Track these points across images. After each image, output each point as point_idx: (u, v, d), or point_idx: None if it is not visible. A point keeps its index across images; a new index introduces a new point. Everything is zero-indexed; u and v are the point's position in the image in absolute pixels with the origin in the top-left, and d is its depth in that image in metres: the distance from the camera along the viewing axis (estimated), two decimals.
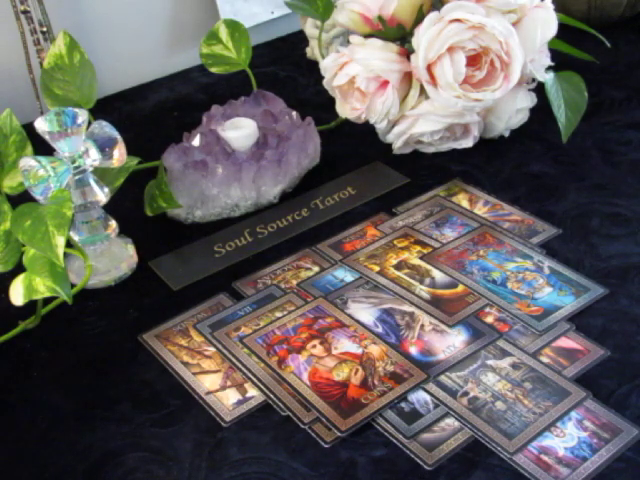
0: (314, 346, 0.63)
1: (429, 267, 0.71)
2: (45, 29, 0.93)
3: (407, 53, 0.82)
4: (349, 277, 0.70)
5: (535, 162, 0.84)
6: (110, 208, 0.72)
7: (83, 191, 0.69)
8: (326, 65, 0.83)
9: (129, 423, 0.59)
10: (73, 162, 0.66)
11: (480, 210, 0.77)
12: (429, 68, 0.79)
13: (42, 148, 0.70)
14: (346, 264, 0.72)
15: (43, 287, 0.60)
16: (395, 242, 0.74)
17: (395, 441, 0.56)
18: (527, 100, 0.85)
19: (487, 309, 0.66)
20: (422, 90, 0.82)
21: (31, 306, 0.65)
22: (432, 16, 0.78)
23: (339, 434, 0.56)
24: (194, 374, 0.62)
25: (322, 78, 0.85)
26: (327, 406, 0.58)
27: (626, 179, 0.80)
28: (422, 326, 0.65)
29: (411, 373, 0.60)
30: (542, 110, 0.86)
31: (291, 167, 0.80)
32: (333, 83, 0.84)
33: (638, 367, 0.60)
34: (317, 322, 0.66)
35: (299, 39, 1.10)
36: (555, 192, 0.79)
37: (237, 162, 0.77)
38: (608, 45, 0.93)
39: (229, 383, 0.61)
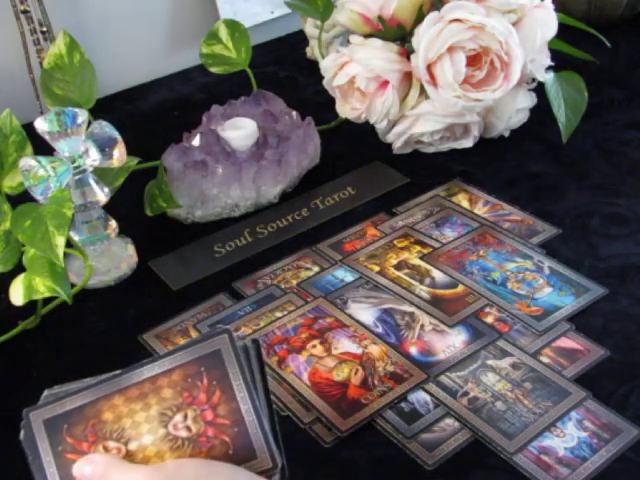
0: (314, 346, 0.63)
1: (429, 267, 0.71)
2: (45, 29, 0.93)
3: (407, 53, 0.82)
4: (349, 277, 0.70)
5: (535, 162, 0.84)
6: (110, 208, 0.72)
7: (83, 191, 0.69)
8: (326, 65, 0.83)
9: None
10: (73, 162, 0.66)
11: (480, 210, 0.77)
12: (429, 68, 0.79)
13: (42, 148, 0.70)
14: (346, 264, 0.72)
15: (43, 287, 0.60)
16: (395, 242, 0.74)
17: (395, 441, 0.56)
18: (527, 100, 0.85)
19: (487, 309, 0.66)
20: (422, 90, 0.82)
21: (31, 306, 0.65)
22: (432, 16, 0.78)
23: (339, 434, 0.56)
24: None
25: (322, 78, 0.85)
26: (327, 406, 0.58)
27: (626, 179, 0.80)
28: (422, 326, 0.65)
29: (411, 373, 0.60)
30: (542, 110, 0.86)
31: (291, 167, 0.80)
32: (333, 83, 0.84)
33: (638, 367, 0.60)
34: (317, 322, 0.66)
35: (299, 39, 1.10)
36: (555, 192, 0.79)
37: (237, 162, 0.77)
38: (608, 45, 0.93)
39: None
